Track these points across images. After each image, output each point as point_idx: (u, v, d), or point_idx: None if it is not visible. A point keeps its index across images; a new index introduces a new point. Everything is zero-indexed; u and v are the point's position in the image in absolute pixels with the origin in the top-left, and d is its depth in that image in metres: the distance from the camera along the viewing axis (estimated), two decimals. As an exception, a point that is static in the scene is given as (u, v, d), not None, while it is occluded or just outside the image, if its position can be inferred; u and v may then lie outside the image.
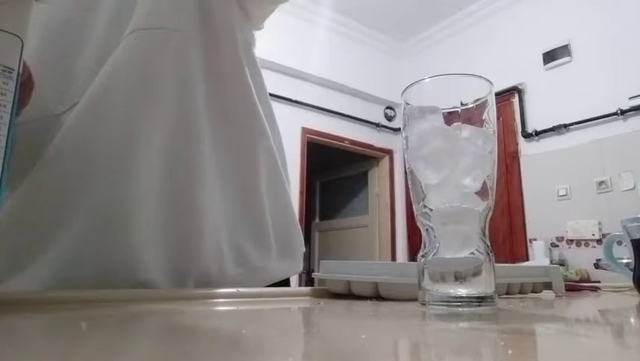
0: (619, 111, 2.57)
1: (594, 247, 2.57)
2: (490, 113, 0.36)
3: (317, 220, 4.86)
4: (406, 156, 0.39)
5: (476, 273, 0.34)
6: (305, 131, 3.53)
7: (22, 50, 0.27)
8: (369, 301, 0.41)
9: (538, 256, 2.69)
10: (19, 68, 0.26)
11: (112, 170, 0.43)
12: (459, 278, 0.33)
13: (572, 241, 2.70)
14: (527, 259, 2.80)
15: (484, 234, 0.35)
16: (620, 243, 0.61)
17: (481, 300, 0.33)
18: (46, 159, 0.43)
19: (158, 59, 0.46)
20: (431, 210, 0.35)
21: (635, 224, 0.53)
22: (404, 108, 0.38)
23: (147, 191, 0.43)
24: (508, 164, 3.07)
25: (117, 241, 0.41)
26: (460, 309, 0.32)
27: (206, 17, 0.50)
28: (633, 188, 2.47)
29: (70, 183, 0.43)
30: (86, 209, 0.41)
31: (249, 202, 0.53)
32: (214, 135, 0.49)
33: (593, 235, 2.59)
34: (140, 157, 0.43)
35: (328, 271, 0.47)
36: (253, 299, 0.42)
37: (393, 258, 3.73)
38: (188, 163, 0.47)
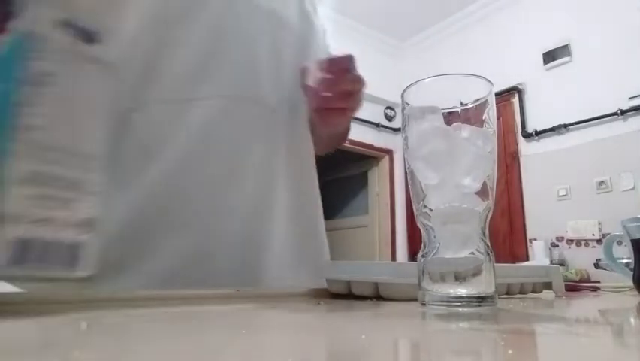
0: (619, 111, 2.57)
1: (594, 247, 2.57)
2: (490, 113, 0.36)
3: (317, 220, 4.84)
4: (405, 156, 0.39)
5: (476, 273, 0.34)
6: (305, 131, 3.52)
7: None
8: (369, 301, 0.41)
9: (538, 256, 2.69)
10: None
11: (205, 209, 0.49)
12: (459, 278, 0.33)
13: (572, 241, 2.70)
14: (527, 259, 2.80)
15: (484, 234, 0.35)
16: (620, 243, 0.61)
17: (481, 300, 0.33)
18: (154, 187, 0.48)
19: (251, 126, 0.54)
20: (431, 210, 0.35)
21: (635, 224, 0.53)
22: (404, 108, 0.38)
23: (232, 227, 0.51)
24: (508, 164, 3.07)
25: (204, 268, 0.47)
26: (460, 309, 0.32)
27: (283, 90, 0.58)
28: (633, 188, 2.47)
29: (174, 214, 0.48)
30: (182, 237, 0.48)
31: (309, 239, 0.61)
32: (288, 181, 0.58)
33: (593, 235, 2.59)
34: (231, 197, 0.51)
35: (328, 271, 0.47)
36: (253, 299, 0.42)
37: (393, 258, 3.72)
38: (267, 204, 0.54)
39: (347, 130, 0.70)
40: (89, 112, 0.25)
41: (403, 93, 0.38)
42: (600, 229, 2.56)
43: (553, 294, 0.53)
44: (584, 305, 0.47)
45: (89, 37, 0.25)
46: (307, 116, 0.62)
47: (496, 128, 0.36)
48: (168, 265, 0.46)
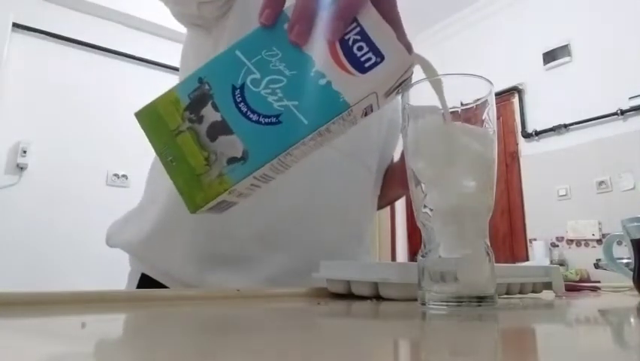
0: (619, 111, 2.57)
1: (594, 247, 2.56)
2: (490, 113, 0.36)
3: (317, 220, 4.83)
4: (406, 156, 0.39)
5: (476, 273, 0.34)
6: (305, 131, 3.52)
7: None
8: (369, 301, 0.41)
9: (538, 256, 2.69)
10: None
11: (315, 230, 0.63)
12: (459, 278, 0.33)
13: (572, 241, 2.70)
14: (527, 259, 2.79)
15: (484, 234, 0.35)
16: (620, 243, 0.61)
17: (481, 300, 0.33)
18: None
19: (355, 179, 0.69)
20: (431, 210, 0.35)
21: (635, 224, 0.53)
22: (404, 108, 0.38)
23: (330, 246, 0.64)
24: (508, 164, 3.06)
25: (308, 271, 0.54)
26: (460, 309, 0.32)
27: (378, 159, 0.75)
28: (633, 188, 2.47)
29: (291, 232, 0.61)
30: (294, 249, 0.60)
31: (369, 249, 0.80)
32: (371, 220, 0.78)
33: (593, 235, 2.58)
34: (332, 225, 0.65)
35: (328, 271, 0.47)
36: (253, 299, 0.42)
37: (393, 258, 3.72)
38: (357, 234, 0.72)
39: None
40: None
41: (402, 93, 0.38)
42: (600, 229, 2.56)
43: (554, 294, 0.53)
44: (584, 305, 0.47)
45: None
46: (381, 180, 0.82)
47: (496, 128, 0.36)
48: (280, 269, 0.59)
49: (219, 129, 0.30)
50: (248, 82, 0.30)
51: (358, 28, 0.30)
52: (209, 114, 0.30)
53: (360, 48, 0.30)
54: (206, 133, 0.30)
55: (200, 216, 0.58)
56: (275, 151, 0.30)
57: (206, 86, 0.31)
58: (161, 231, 0.59)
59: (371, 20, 0.30)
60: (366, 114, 0.33)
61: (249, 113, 0.30)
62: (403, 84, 0.32)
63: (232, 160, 0.30)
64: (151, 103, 0.31)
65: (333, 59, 0.30)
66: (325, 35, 0.30)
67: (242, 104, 0.30)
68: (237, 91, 0.30)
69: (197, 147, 0.30)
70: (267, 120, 0.30)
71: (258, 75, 0.30)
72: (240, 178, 0.30)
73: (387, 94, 0.32)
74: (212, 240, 0.57)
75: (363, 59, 0.30)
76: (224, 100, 0.30)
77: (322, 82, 0.30)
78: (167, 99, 0.31)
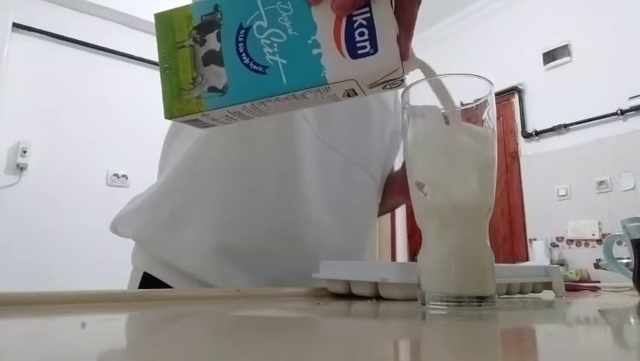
0: (619, 111, 2.57)
1: (594, 247, 2.56)
2: (490, 113, 0.36)
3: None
4: (405, 157, 0.39)
5: (477, 273, 0.34)
6: (305, 131, 3.52)
7: None
8: (369, 301, 0.41)
9: (538, 256, 2.69)
10: None
11: (318, 237, 0.63)
12: (459, 278, 0.33)
13: (572, 241, 2.70)
14: (527, 259, 2.79)
15: (484, 234, 0.35)
16: (620, 243, 0.61)
17: (481, 300, 0.33)
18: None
19: (358, 187, 0.69)
20: (431, 210, 0.35)
21: (635, 224, 0.53)
22: (404, 108, 0.38)
23: (333, 251, 0.64)
24: (508, 164, 3.06)
25: (309, 273, 0.53)
26: (460, 309, 0.32)
27: (382, 166, 0.76)
28: (633, 188, 2.47)
29: (296, 236, 0.62)
30: (300, 252, 0.62)
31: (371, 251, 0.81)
32: (373, 227, 0.78)
33: (593, 235, 2.58)
34: (338, 229, 0.66)
35: (328, 271, 0.47)
36: (253, 300, 0.42)
37: (393, 258, 3.72)
38: (359, 241, 0.73)
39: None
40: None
41: (402, 93, 0.38)
42: (600, 229, 2.56)
43: (554, 294, 0.53)
44: (584, 305, 0.47)
45: None
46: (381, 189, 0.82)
47: (496, 128, 0.36)
48: (287, 268, 0.60)
49: (214, 58, 0.32)
50: (254, 27, 0.32)
51: (368, 14, 0.30)
52: (211, 41, 0.32)
53: (361, 34, 0.30)
54: (202, 56, 0.32)
55: (216, 204, 0.59)
56: (250, 97, 0.32)
57: (219, 15, 0.32)
58: (175, 215, 0.58)
59: (383, 11, 0.30)
60: (348, 95, 0.34)
61: (243, 54, 0.32)
62: (390, 82, 0.32)
63: (213, 89, 0.32)
64: (169, 11, 0.34)
65: (334, 34, 0.31)
66: (333, 8, 0.30)
67: (241, 44, 0.32)
68: (242, 31, 0.32)
69: (191, 65, 0.33)
70: (255, 67, 0.32)
71: (265, 24, 0.32)
72: (213, 107, 0.33)
73: (371, 86, 0.33)
74: (226, 229, 0.57)
75: (359, 45, 0.30)
76: (229, 34, 0.32)
77: (315, 52, 0.31)
78: (183, 13, 0.33)
